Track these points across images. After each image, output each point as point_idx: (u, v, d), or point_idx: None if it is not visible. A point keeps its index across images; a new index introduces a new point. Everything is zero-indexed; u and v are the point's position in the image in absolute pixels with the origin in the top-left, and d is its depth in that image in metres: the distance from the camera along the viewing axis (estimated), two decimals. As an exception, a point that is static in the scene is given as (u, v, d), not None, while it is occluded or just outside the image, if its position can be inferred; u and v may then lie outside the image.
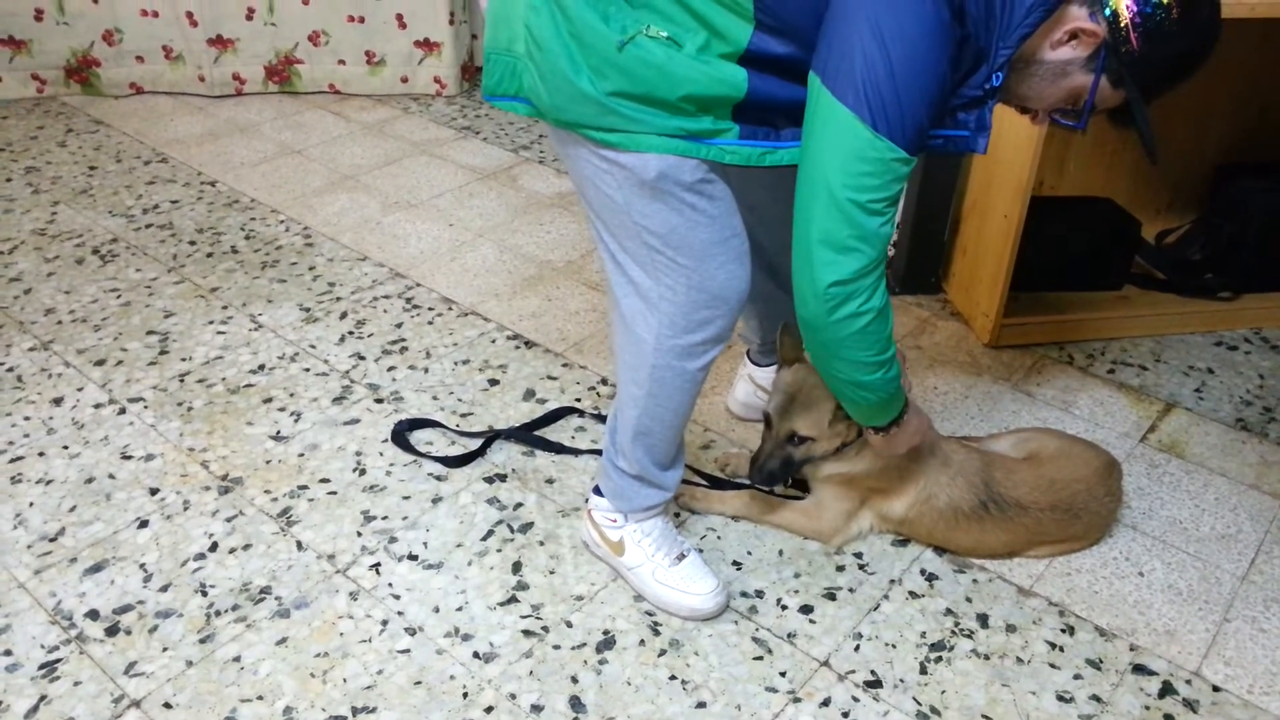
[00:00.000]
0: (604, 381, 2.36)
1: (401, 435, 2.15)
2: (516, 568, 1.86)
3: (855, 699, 1.63)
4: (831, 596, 1.82)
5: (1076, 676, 1.68)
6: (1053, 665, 1.70)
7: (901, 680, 1.67)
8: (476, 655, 1.69)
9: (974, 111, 1.42)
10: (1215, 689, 1.67)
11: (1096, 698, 1.65)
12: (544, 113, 1.45)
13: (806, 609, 1.79)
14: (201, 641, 1.70)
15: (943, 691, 1.65)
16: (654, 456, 1.71)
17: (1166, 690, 1.67)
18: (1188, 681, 1.68)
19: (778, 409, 1.81)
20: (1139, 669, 1.70)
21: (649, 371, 1.60)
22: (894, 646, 1.73)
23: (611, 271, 1.58)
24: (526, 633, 1.73)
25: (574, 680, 1.65)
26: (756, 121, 1.42)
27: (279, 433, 2.18)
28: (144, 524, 1.94)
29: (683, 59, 1.35)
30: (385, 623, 1.74)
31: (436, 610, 1.77)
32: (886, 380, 1.53)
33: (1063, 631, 1.76)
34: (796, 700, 1.63)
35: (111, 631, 1.72)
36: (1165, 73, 1.39)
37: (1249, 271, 2.63)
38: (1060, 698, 1.65)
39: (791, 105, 1.39)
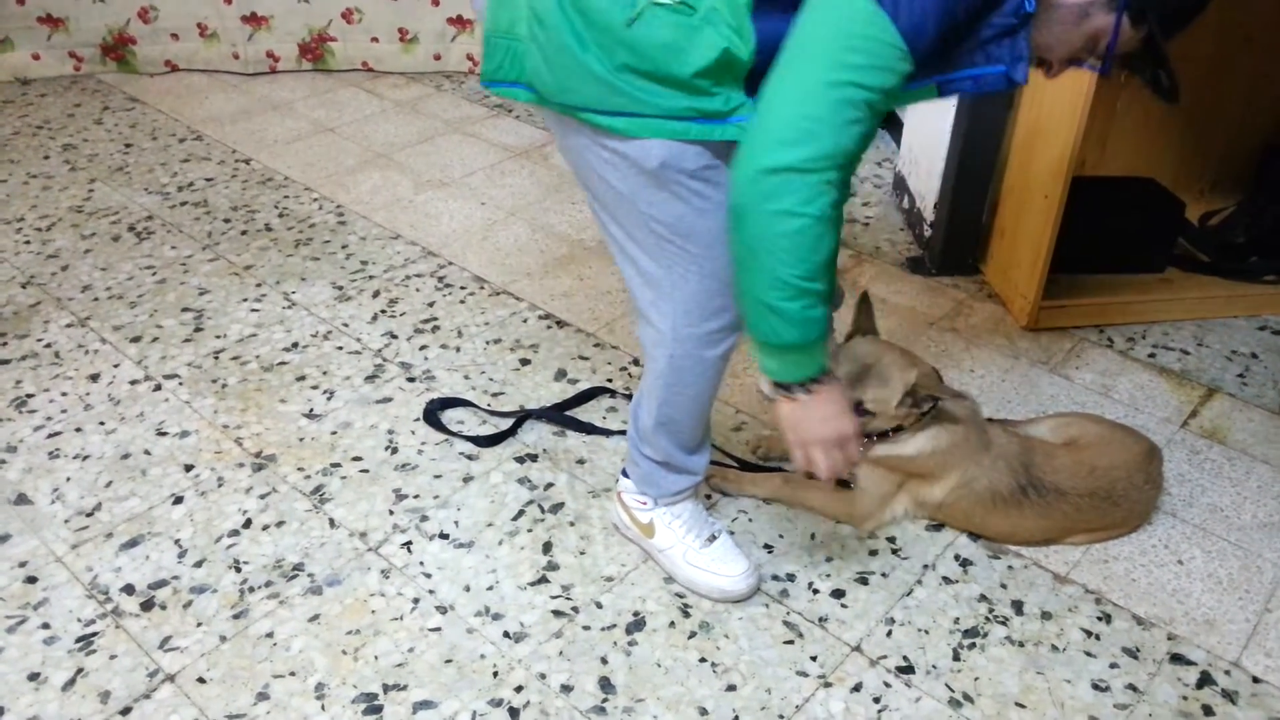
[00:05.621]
0: (635, 362, 2.34)
1: (433, 414, 2.16)
2: (547, 548, 1.86)
3: (887, 685, 1.62)
4: (864, 581, 1.80)
5: (1113, 665, 1.66)
6: (1088, 654, 1.68)
7: (934, 666, 1.65)
8: (507, 635, 1.69)
9: (1006, 41, 1.33)
10: (1255, 680, 1.64)
11: (1133, 687, 1.63)
12: (547, 97, 1.40)
13: (838, 593, 1.78)
14: (235, 617, 1.72)
15: (976, 678, 1.64)
16: (679, 442, 1.69)
17: (1205, 680, 1.64)
18: (1227, 672, 1.65)
19: (849, 376, 1.76)
20: (1177, 659, 1.67)
21: (667, 361, 1.57)
22: (927, 632, 1.71)
23: (622, 264, 1.55)
24: (557, 613, 1.73)
25: (604, 661, 1.65)
26: None
27: (312, 410, 2.19)
28: (179, 500, 1.95)
29: (696, 24, 1.28)
30: (416, 601, 1.75)
31: (467, 589, 1.77)
32: (804, 317, 1.35)
33: (1099, 619, 1.74)
34: (827, 685, 1.62)
35: (147, 606, 1.74)
36: (1184, 7, 1.34)
37: (1295, 255, 2.58)
38: (1096, 686, 1.63)
39: None
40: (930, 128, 2.69)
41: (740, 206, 1.30)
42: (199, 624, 1.71)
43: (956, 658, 1.67)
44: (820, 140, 1.24)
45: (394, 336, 2.44)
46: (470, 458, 2.07)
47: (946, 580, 1.81)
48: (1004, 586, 1.80)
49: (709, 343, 1.56)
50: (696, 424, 1.68)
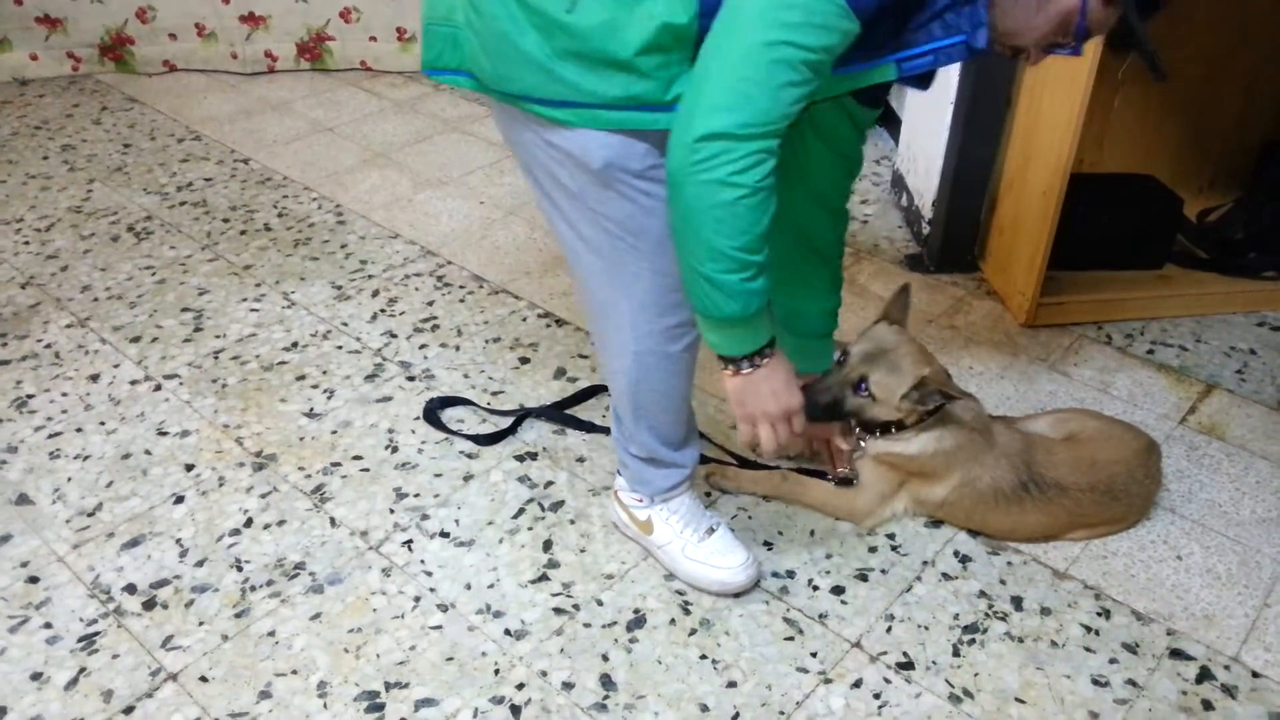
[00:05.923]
0: (635, 360, 2.35)
1: (433, 413, 2.16)
2: (547, 546, 1.86)
3: (887, 680, 1.63)
4: (863, 577, 1.81)
5: (1112, 660, 1.67)
6: (1088, 649, 1.68)
7: (934, 662, 1.66)
8: (508, 632, 1.70)
9: (966, 10, 1.30)
10: (1254, 675, 1.65)
11: (1133, 682, 1.63)
12: (488, 84, 1.37)
13: (838, 590, 1.78)
14: (237, 616, 1.72)
15: (975, 674, 1.64)
16: (661, 437, 1.69)
17: (1204, 675, 1.64)
18: (1226, 667, 1.66)
19: (861, 354, 1.76)
20: (1176, 654, 1.68)
21: (633, 358, 1.56)
22: (926, 628, 1.71)
23: (573, 263, 1.53)
24: (557, 610, 1.74)
25: (605, 658, 1.66)
26: None
27: (312, 410, 2.19)
28: (180, 500, 1.96)
29: None
30: (418, 599, 1.75)
31: (468, 587, 1.78)
32: (744, 289, 1.34)
33: (1098, 615, 1.74)
34: (828, 681, 1.62)
35: (149, 605, 1.74)
36: None
37: (1293, 251, 2.58)
38: (1095, 681, 1.63)
39: None
40: (928, 125, 2.70)
41: (675, 176, 1.27)
42: (201, 623, 1.71)
43: (956, 653, 1.67)
44: (755, 104, 1.21)
45: (393, 335, 2.44)
46: (470, 456, 2.07)
47: (946, 576, 1.81)
48: (1003, 582, 1.80)
49: (670, 338, 1.54)
50: (675, 419, 1.67)
